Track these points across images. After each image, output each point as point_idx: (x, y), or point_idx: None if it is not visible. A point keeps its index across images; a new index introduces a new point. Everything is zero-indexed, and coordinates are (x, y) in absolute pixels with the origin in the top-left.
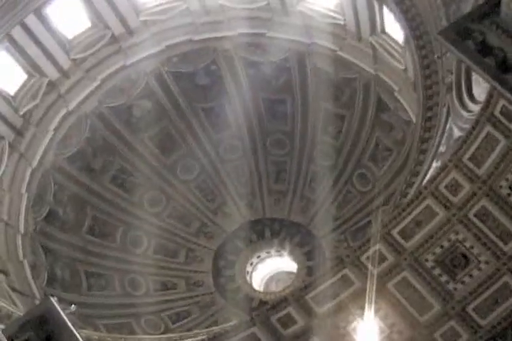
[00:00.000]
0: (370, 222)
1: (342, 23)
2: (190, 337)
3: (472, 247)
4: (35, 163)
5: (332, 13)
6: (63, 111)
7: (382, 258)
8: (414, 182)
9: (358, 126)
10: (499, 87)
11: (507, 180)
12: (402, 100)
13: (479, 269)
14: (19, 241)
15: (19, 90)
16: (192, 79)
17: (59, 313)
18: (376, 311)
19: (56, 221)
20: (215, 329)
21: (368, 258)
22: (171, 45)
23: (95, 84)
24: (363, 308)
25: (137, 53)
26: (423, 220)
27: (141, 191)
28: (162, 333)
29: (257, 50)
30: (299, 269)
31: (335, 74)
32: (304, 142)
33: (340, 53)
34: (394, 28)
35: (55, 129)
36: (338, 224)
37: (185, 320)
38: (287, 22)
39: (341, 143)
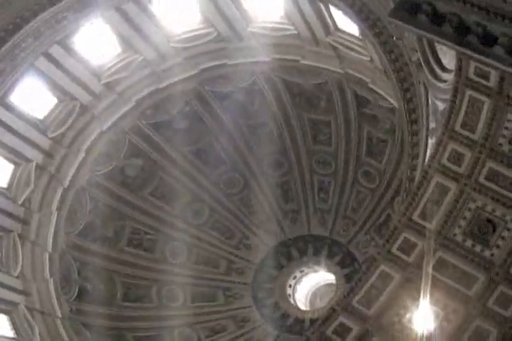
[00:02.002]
0: (389, 215)
1: (295, 32)
2: None
3: (494, 210)
4: (49, 247)
5: (282, 26)
6: (60, 190)
7: (413, 245)
8: (416, 165)
9: (345, 127)
10: (465, 51)
11: (504, 136)
12: (378, 90)
13: (508, 229)
14: (60, 327)
15: (10, 181)
16: (171, 126)
17: None
18: (426, 297)
19: (88, 297)
20: None
21: (398, 249)
22: (140, 98)
23: (81, 156)
24: (411, 298)
25: (111, 115)
26: (438, 198)
27: (160, 246)
28: None
29: (223, 81)
30: (337, 279)
31: (306, 83)
32: (299, 157)
33: (303, 62)
34: (347, 23)
35: (58, 209)
36: (360, 226)
37: None
38: (244, 46)
39: (335, 147)
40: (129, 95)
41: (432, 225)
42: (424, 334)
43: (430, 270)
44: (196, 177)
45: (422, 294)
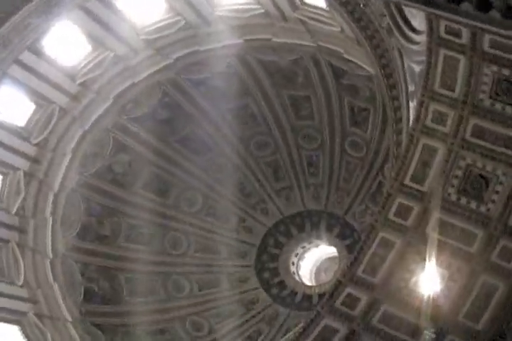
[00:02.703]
0: (381, 182)
1: (263, 11)
2: None
3: (484, 166)
4: (49, 252)
5: (249, 6)
6: (51, 194)
7: (409, 209)
8: (401, 129)
9: (326, 100)
10: (433, 10)
11: (484, 91)
12: (353, 59)
13: (501, 183)
14: (72, 330)
15: (1, 191)
16: (152, 118)
17: None
18: (429, 259)
19: (95, 297)
20: (289, 335)
21: (395, 214)
22: (118, 94)
23: (67, 158)
24: (414, 262)
25: (91, 115)
26: (427, 159)
27: (158, 238)
28: None
29: (198, 67)
30: (338, 252)
31: (281, 60)
32: (284, 134)
33: (275, 40)
34: None
35: (52, 213)
36: (354, 196)
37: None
38: (213, 31)
39: (318, 121)
40: (106, 92)
41: (424, 187)
42: (432, 296)
43: (436, 234)
44: (184, 165)
45: (426, 257)
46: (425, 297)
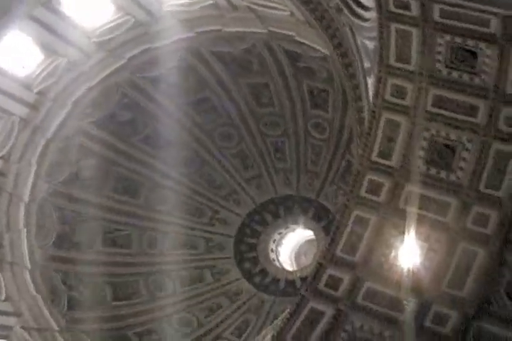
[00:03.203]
0: (349, 161)
1: (211, 2)
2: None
3: (448, 135)
4: (28, 264)
5: None
6: (22, 206)
7: (380, 185)
8: (362, 106)
9: (284, 84)
10: None
11: (439, 61)
12: (306, 42)
13: (467, 150)
14: (60, 340)
15: None
16: (114, 120)
17: None
18: (409, 232)
19: (80, 304)
20: (277, 321)
21: (366, 191)
22: (76, 100)
23: (33, 169)
24: (392, 236)
25: (52, 122)
26: (392, 134)
27: (136, 239)
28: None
29: (152, 65)
30: (315, 234)
31: (234, 50)
32: (247, 124)
33: (226, 30)
34: None
35: (25, 225)
36: (324, 178)
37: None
38: (163, 27)
39: (279, 107)
40: (63, 99)
41: (393, 162)
42: (412, 268)
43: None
44: (151, 163)
45: (405, 230)
46: (406, 270)
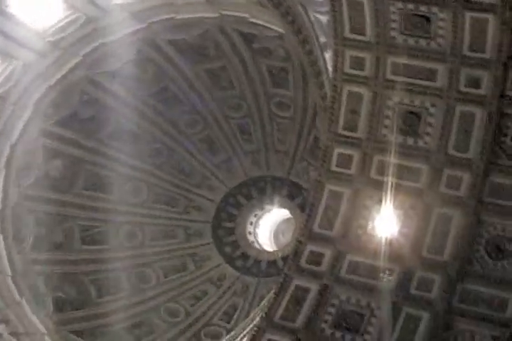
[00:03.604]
0: (316, 136)
1: None
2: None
3: (412, 101)
4: (8, 270)
5: None
6: None
7: (349, 157)
8: (323, 81)
9: (242, 66)
10: None
11: (394, 29)
12: (259, 22)
13: (431, 115)
14: None
15: None
16: (76, 118)
17: None
18: (383, 202)
19: (66, 304)
20: (264, 302)
21: (337, 165)
22: (36, 101)
23: (2, 174)
24: (366, 208)
25: (15, 126)
26: (355, 106)
27: (112, 235)
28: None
29: (109, 60)
30: (291, 212)
31: (189, 36)
32: (210, 109)
33: (179, 17)
34: None
35: (1, 231)
36: (292, 155)
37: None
38: (115, 21)
39: (240, 89)
40: (24, 102)
41: (359, 133)
42: (391, 237)
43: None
44: (119, 158)
45: (382, 200)
46: (384, 239)
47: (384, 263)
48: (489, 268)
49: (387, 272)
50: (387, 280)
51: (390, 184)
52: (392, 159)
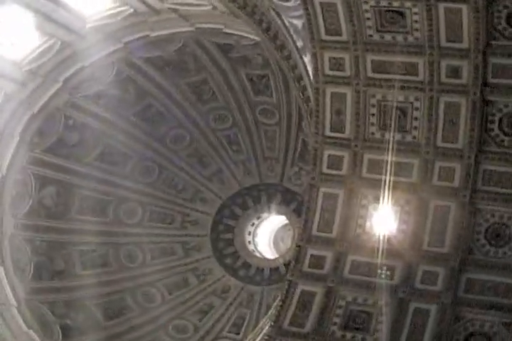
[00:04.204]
0: (304, 141)
1: (132, 10)
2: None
3: (396, 97)
4: (13, 302)
5: (116, 10)
6: None
7: (340, 158)
8: (305, 85)
9: (223, 77)
10: None
11: (370, 27)
12: (235, 32)
13: (417, 109)
14: None
15: None
16: (63, 144)
17: None
18: (380, 199)
19: (74, 331)
20: (271, 311)
21: (328, 167)
22: (22, 130)
23: None
24: (363, 207)
25: (4, 157)
26: (340, 107)
27: (114, 255)
28: None
29: (89, 83)
30: (288, 218)
31: (166, 53)
32: (195, 122)
33: (153, 34)
34: None
35: (1, 263)
36: (283, 161)
37: None
38: (90, 43)
39: (223, 101)
40: (9, 132)
41: (345, 133)
42: (391, 234)
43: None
44: (112, 180)
45: (375, 198)
46: (383, 235)
47: (385, 260)
48: (491, 255)
49: (384, 268)
50: (386, 276)
51: (382, 181)
52: (383, 156)
